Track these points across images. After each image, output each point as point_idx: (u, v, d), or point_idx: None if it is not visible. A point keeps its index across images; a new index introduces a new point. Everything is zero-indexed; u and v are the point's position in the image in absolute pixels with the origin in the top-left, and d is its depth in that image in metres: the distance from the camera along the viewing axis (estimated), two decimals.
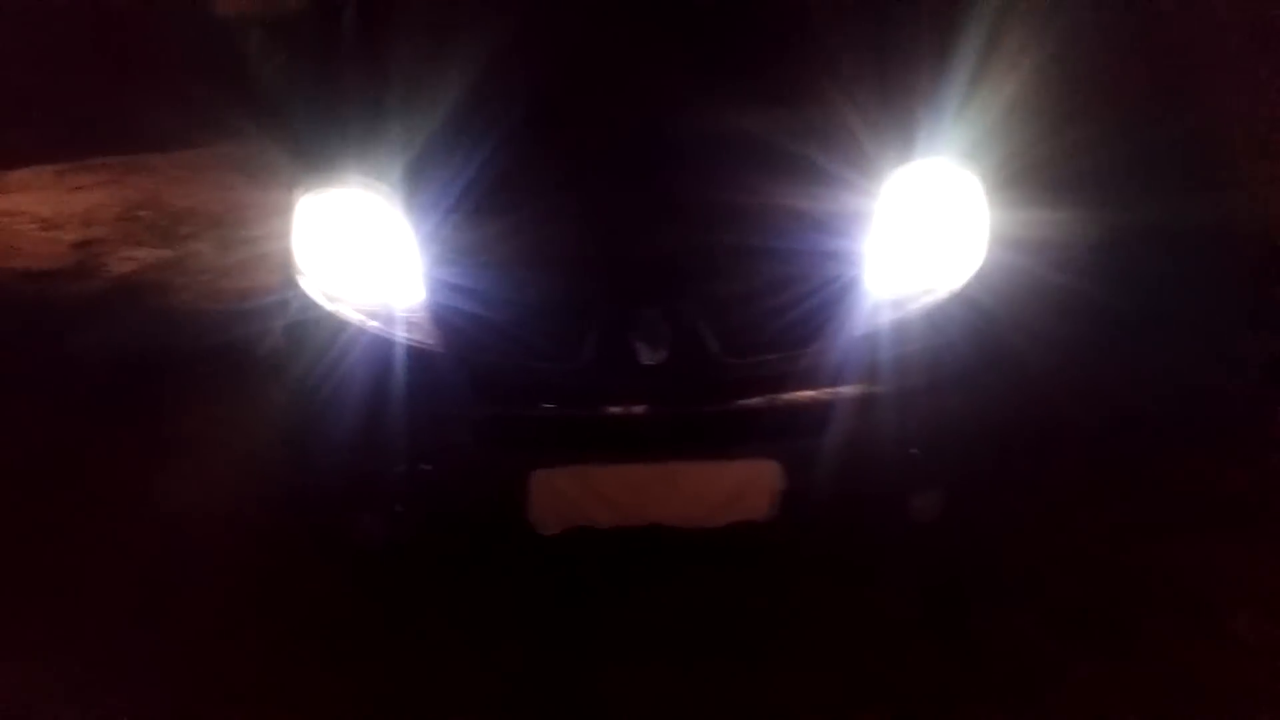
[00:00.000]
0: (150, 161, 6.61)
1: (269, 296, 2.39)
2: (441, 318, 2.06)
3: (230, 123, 6.93)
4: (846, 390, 2.05)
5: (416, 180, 2.12)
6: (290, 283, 2.21)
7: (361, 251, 2.14)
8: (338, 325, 2.12)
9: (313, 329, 2.15)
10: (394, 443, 2.05)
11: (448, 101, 2.21)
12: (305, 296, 2.17)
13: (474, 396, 2.05)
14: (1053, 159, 2.80)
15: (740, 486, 2.05)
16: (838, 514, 2.17)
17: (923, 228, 2.15)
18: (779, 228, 2.09)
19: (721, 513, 2.07)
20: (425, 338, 2.07)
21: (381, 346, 2.08)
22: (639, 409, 2.03)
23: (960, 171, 2.18)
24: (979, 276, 2.16)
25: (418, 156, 2.15)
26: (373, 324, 2.10)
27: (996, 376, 2.17)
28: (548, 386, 2.04)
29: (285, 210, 2.27)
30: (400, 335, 2.08)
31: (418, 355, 2.06)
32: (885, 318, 2.09)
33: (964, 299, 2.15)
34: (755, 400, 2.04)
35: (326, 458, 2.13)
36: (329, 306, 2.13)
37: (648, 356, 2.00)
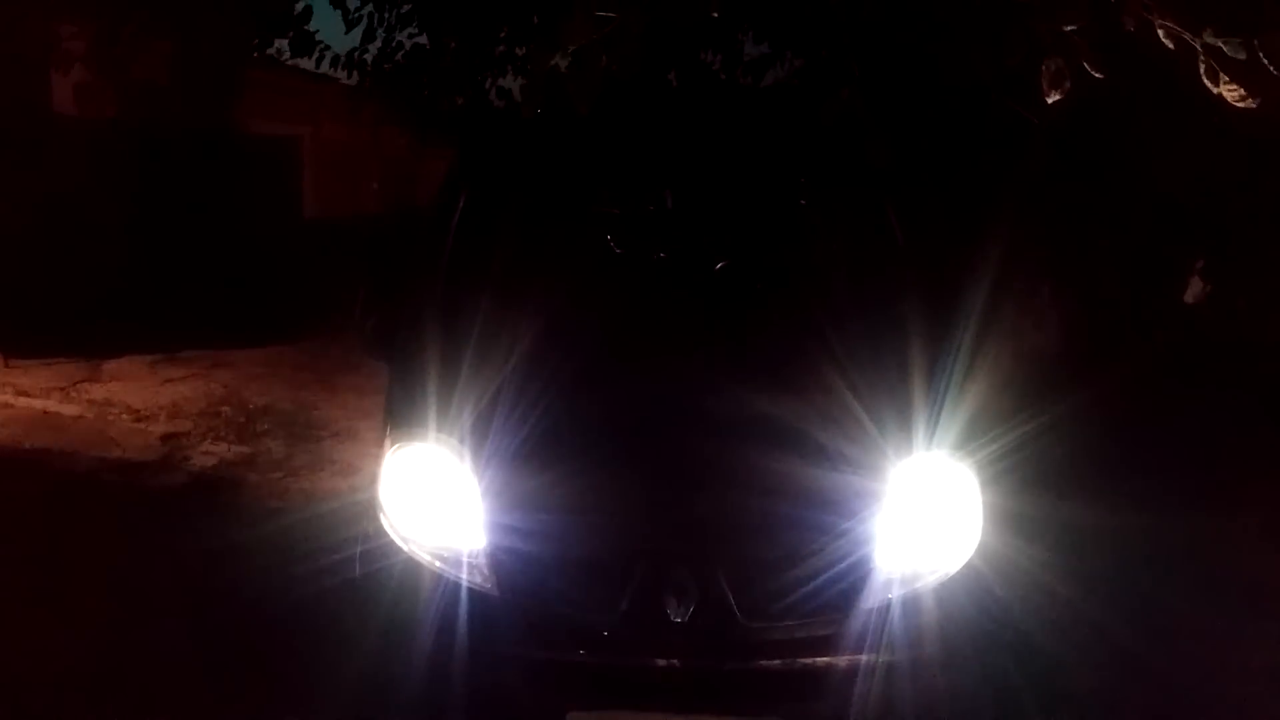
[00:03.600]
0: (232, 358, 7.19)
1: (354, 531, 2.72)
2: (499, 563, 2.37)
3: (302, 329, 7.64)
4: (856, 659, 2.31)
5: (482, 439, 2.48)
6: (374, 521, 2.55)
7: (435, 499, 2.49)
8: (410, 564, 2.45)
9: (388, 564, 2.48)
10: (450, 674, 2.33)
11: (511, 371, 2.61)
12: (385, 536, 2.50)
13: (522, 638, 2.34)
14: (1042, 451, 3.10)
15: None
16: None
17: (924, 513, 2.45)
18: (798, 505, 2.41)
19: None
20: (484, 581, 2.38)
21: (446, 586, 2.39)
22: (666, 662, 2.29)
23: (956, 464, 2.50)
24: (977, 558, 2.44)
25: (484, 418, 2.52)
26: (439, 565, 2.42)
27: (1000, 651, 2.41)
28: (587, 634, 2.32)
29: (377, 460, 2.65)
30: (463, 577, 2.39)
31: (477, 597, 2.37)
32: (894, 593, 2.37)
33: (965, 579, 2.42)
34: (772, 662, 2.30)
35: (389, 681, 2.41)
36: (404, 547, 2.46)
37: (676, 612, 2.29)
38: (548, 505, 2.41)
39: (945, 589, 2.40)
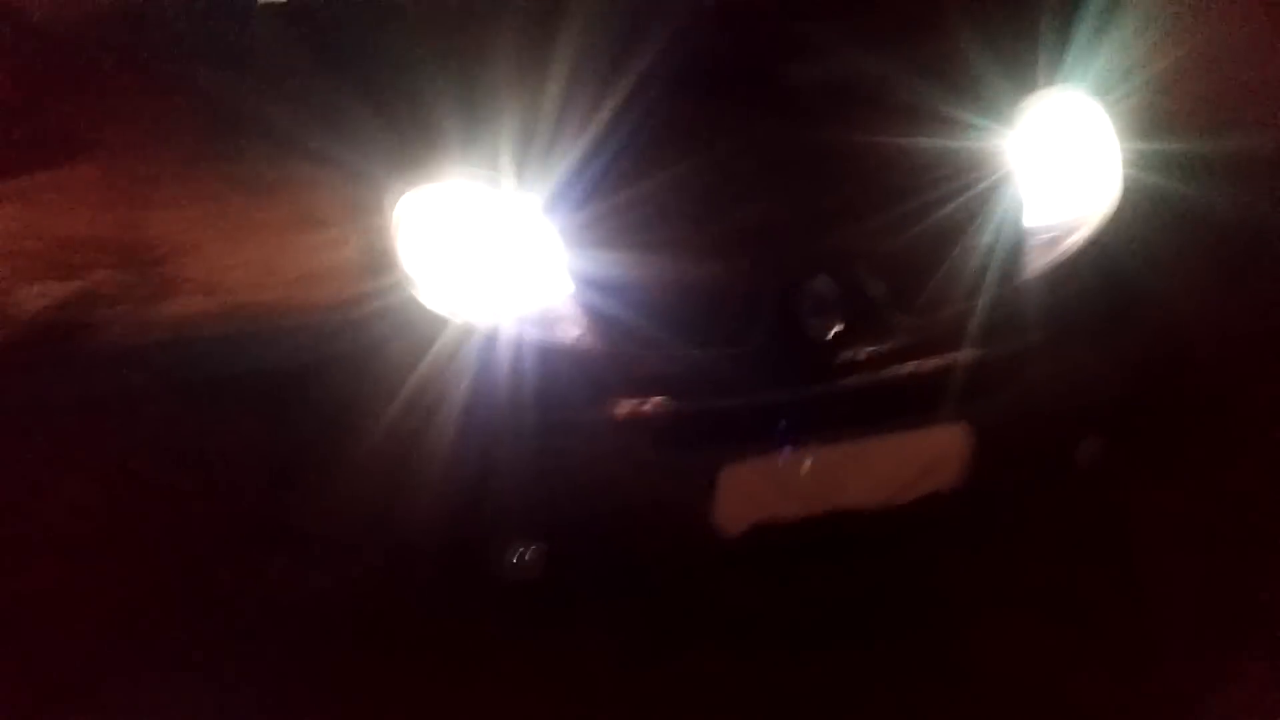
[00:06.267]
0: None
1: (354, 312, 2.08)
2: (597, 314, 1.84)
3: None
4: (1020, 340, 1.98)
5: (538, 165, 1.88)
6: (395, 296, 1.94)
7: (486, 250, 1.90)
8: (464, 334, 1.87)
9: (431, 344, 1.89)
10: (554, 461, 1.84)
11: (557, 75, 1.97)
12: (420, 309, 1.90)
13: (644, 397, 1.85)
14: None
15: (932, 455, 1.94)
16: (1016, 472, 2.08)
17: (1057, 162, 2.08)
18: (926, 173, 1.99)
19: (912, 487, 1.95)
20: (582, 339, 1.85)
21: (526, 352, 1.85)
22: (823, 386, 1.88)
23: (1089, 101, 2.13)
24: (1119, 213, 2.11)
25: (533, 138, 1.91)
26: (510, 329, 1.86)
27: (1142, 321, 2.14)
28: (724, 377, 1.86)
29: (370, 210, 2.00)
30: (549, 338, 1.85)
31: (574, 358, 1.84)
32: (1043, 261, 2.02)
33: (1110, 238, 2.09)
34: (938, 360, 1.93)
35: (468, 485, 1.89)
36: (454, 317, 1.88)
37: (822, 327, 1.85)
38: (642, 237, 1.87)
39: (1089, 253, 2.07)
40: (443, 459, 1.88)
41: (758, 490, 1.88)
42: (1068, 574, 2.26)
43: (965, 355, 1.93)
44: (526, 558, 1.95)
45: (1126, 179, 2.12)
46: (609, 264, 1.85)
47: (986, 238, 1.96)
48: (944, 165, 1.98)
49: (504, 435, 1.84)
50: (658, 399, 1.84)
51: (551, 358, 1.84)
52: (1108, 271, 2.06)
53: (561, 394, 1.84)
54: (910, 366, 1.91)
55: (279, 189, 2.82)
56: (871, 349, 1.89)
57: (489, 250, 1.90)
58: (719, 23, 2.23)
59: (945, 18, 2.18)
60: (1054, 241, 2.05)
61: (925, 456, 1.93)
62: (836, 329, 1.85)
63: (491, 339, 1.85)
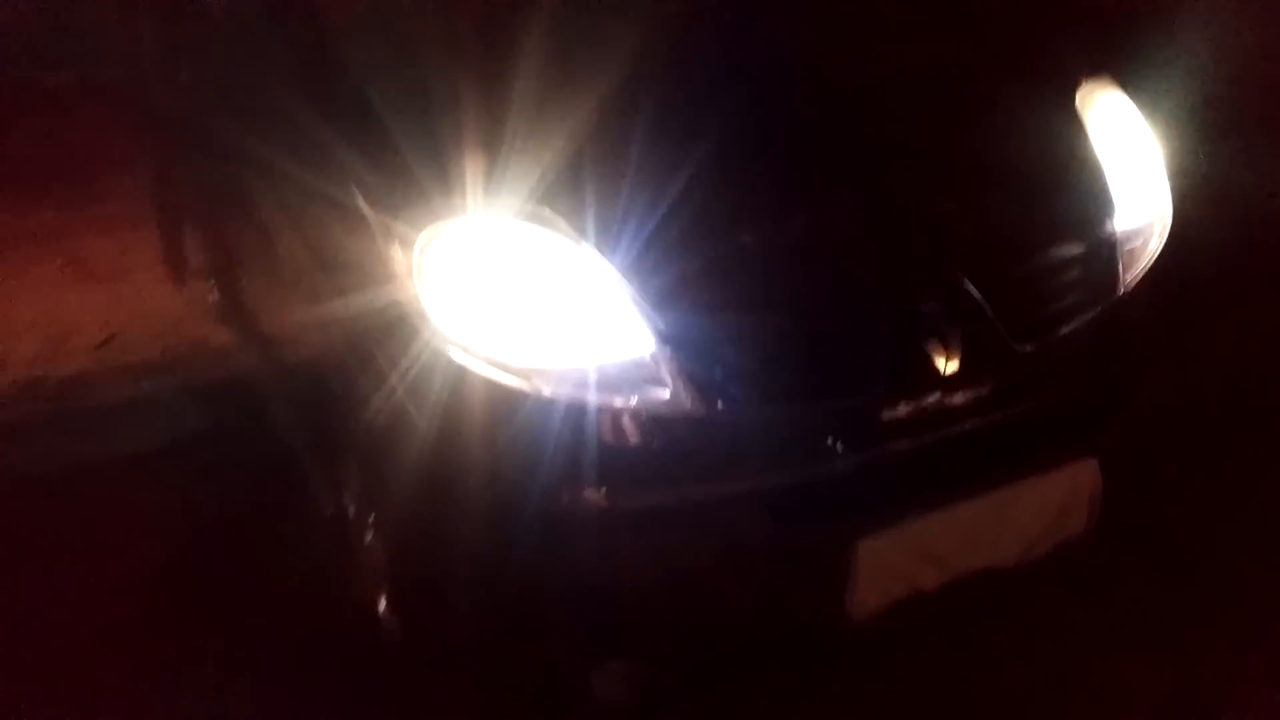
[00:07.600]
0: None
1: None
2: (694, 374, 1.46)
3: None
4: (1130, 359, 1.78)
5: (595, 196, 1.50)
6: (423, 353, 1.48)
7: (533, 299, 1.48)
8: (518, 400, 1.44)
9: (472, 410, 1.46)
10: (648, 558, 1.45)
11: (613, 88, 1.60)
12: (451, 365, 1.46)
13: (760, 465, 1.49)
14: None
15: (1064, 500, 1.69)
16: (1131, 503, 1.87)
17: (1114, 166, 1.91)
18: (1015, 183, 1.77)
19: (1045, 539, 1.69)
20: (680, 402, 1.46)
21: (605, 421, 1.44)
22: (957, 431, 1.59)
23: (1130, 103, 1.98)
24: (1181, 218, 1.96)
25: (587, 162, 1.52)
26: (581, 394, 1.45)
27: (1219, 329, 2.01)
28: (852, 433, 1.53)
29: (378, 258, 1.54)
30: (632, 403, 1.46)
31: (666, 426, 1.46)
32: (1138, 264, 1.84)
33: (1179, 246, 1.94)
34: (1068, 390, 1.69)
35: (538, 592, 1.47)
36: (503, 379, 1.44)
37: (944, 361, 1.56)
38: (728, 280, 1.52)
39: (1169, 254, 1.91)
40: (502, 558, 1.46)
41: (898, 562, 1.56)
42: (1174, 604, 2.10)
43: (1090, 381, 1.70)
44: (615, 678, 1.53)
45: (1180, 183, 1.98)
46: (693, 311, 1.47)
47: (1084, 250, 1.75)
48: (1032, 173, 1.77)
49: (583, 526, 1.43)
50: (776, 468, 1.49)
51: (638, 427, 1.45)
52: (1183, 281, 1.91)
53: (654, 472, 1.46)
54: (1043, 399, 1.65)
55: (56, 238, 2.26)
56: (998, 384, 1.62)
57: (536, 299, 1.49)
58: (786, 41, 1.92)
59: (1001, 25, 1.99)
60: (1131, 252, 1.86)
61: (1060, 499, 1.68)
62: (956, 361, 1.56)
63: (554, 405, 1.44)
